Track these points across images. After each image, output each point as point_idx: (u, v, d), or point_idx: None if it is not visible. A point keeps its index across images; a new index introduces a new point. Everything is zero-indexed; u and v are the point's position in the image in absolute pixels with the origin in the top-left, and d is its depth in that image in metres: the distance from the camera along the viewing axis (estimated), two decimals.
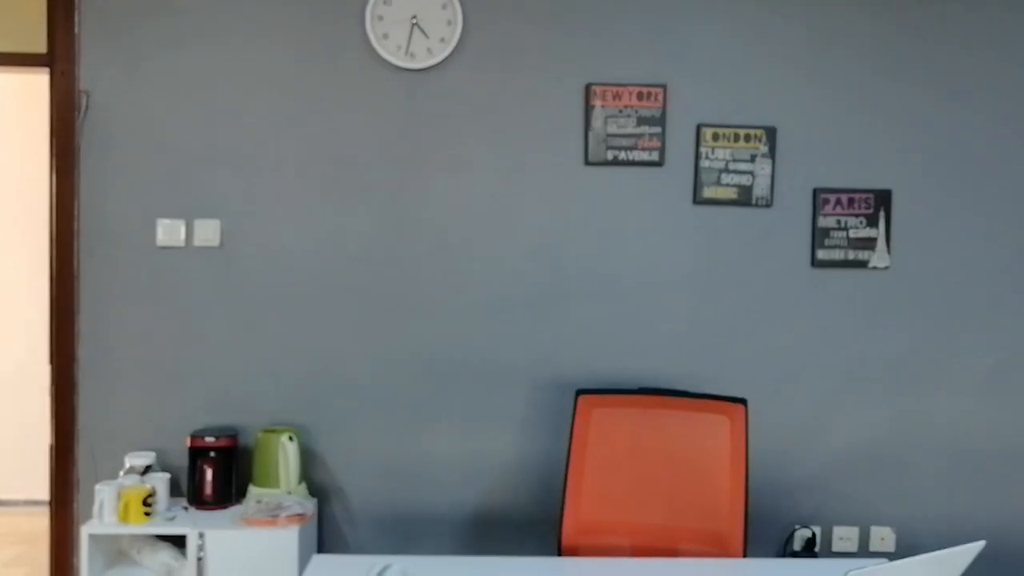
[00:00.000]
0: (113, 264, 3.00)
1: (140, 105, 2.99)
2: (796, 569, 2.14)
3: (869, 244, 3.08)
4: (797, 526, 3.11)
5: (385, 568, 1.92)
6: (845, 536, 3.12)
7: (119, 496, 2.69)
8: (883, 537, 3.12)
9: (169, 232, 3.00)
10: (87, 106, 2.98)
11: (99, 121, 2.99)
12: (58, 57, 2.96)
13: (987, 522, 3.14)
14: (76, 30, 2.96)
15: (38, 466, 3.85)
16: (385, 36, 2.98)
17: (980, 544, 1.72)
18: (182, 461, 2.99)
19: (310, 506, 2.81)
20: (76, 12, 2.95)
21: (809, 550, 3.08)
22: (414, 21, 2.98)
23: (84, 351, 3.00)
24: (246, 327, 3.03)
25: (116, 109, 2.99)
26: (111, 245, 3.00)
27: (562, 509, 2.48)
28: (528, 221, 3.05)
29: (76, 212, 2.99)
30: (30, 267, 4.55)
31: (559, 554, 2.44)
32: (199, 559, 2.65)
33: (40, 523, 3.80)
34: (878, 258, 3.08)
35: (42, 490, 4.12)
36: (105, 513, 2.70)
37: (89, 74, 2.98)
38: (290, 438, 2.84)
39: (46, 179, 3.05)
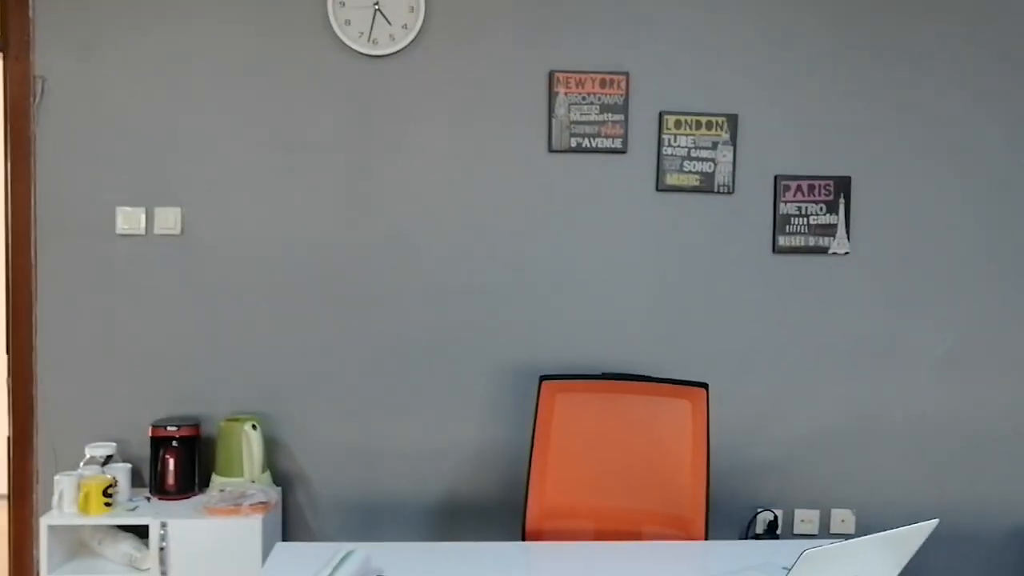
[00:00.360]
0: (71, 253, 2.96)
1: (97, 91, 2.95)
2: (755, 550, 2.17)
3: (829, 230, 3.12)
4: (759, 509, 3.15)
5: (347, 555, 1.92)
6: (806, 518, 3.16)
7: (79, 487, 2.66)
8: (843, 519, 3.16)
9: (129, 220, 2.96)
10: (42, 92, 2.93)
11: (55, 107, 2.94)
12: (11, 42, 2.90)
13: (944, 502, 3.20)
14: (30, 14, 2.91)
15: None
16: (347, 22, 2.96)
17: (933, 523, 1.76)
18: (144, 451, 2.97)
19: (274, 494, 2.80)
20: None
21: (771, 533, 3.13)
22: (376, 7, 2.96)
23: (42, 341, 2.96)
24: (208, 315, 3.00)
25: (72, 95, 2.94)
26: (69, 233, 2.96)
27: (526, 494, 2.49)
28: (492, 208, 3.05)
29: (32, 200, 2.94)
30: None
31: (523, 539, 2.45)
32: (161, 549, 2.63)
33: None
34: (838, 244, 3.12)
35: (0, 482, 4.08)
36: (65, 504, 2.67)
37: (44, 59, 2.93)
38: (253, 426, 2.83)
39: (0, 167, 3.00)
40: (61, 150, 2.95)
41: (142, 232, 2.97)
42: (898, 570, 1.83)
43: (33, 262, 2.95)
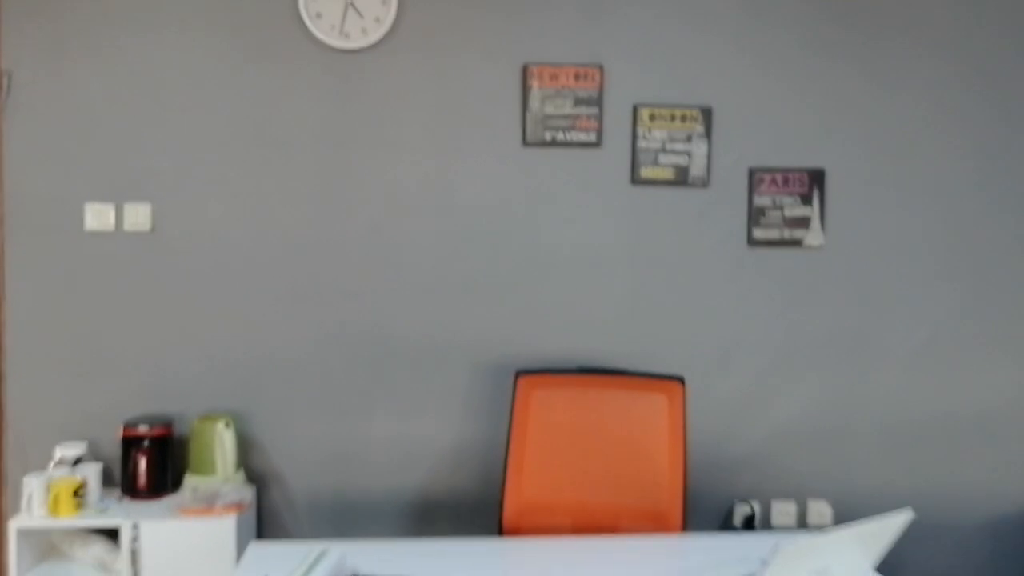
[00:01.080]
0: (40, 250, 2.91)
1: (66, 85, 2.90)
2: (733, 543, 2.17)
3: (804, 223, 3.12)
4: (736, 501, 3.16)
5: (322, 554, 1.90)
6: (783, 511, 3.17)
7: (48, 488, 2.62)
8: (821, 511, 3.18)
9: (98, 216, 2.92)
10: (9, 87, 2.88)
11: (22, 102, 2.89)
12: None
13: (919, 493, 3.22)
14: None
15: None
16: (319, 15, 2.93)
17: (907, 514, 1.76)
18: (115, 451, 2.93)
19: (248, 494, 2.77)
20: None
21: (748, 525, 3.13)
22: (348, 0, 2.93)
23: (10, 339, 2.91)
24: (179, 313, 2.96)
25: (40, 89, 2.89)
26: (38, 230, 2.91)
27: (503, 490, 2.48)
28: (466, 202, 3.03)
29: (0, 197, 2.90)
30: None
31: (500, 535, 2.44)
32: (133, 551, 2.59)
33: None
34: (812, 236, 3.13)
35: None
36: (34, 506, 2.62)
37: (11, 53, 2.87)
38: (226, 425, 2.80)
39: None
40: (29, 146, 2.90)
41: (112, 229, 2.92)
42: (874, 561, 1.84)
43: (1, 259, 2.90)
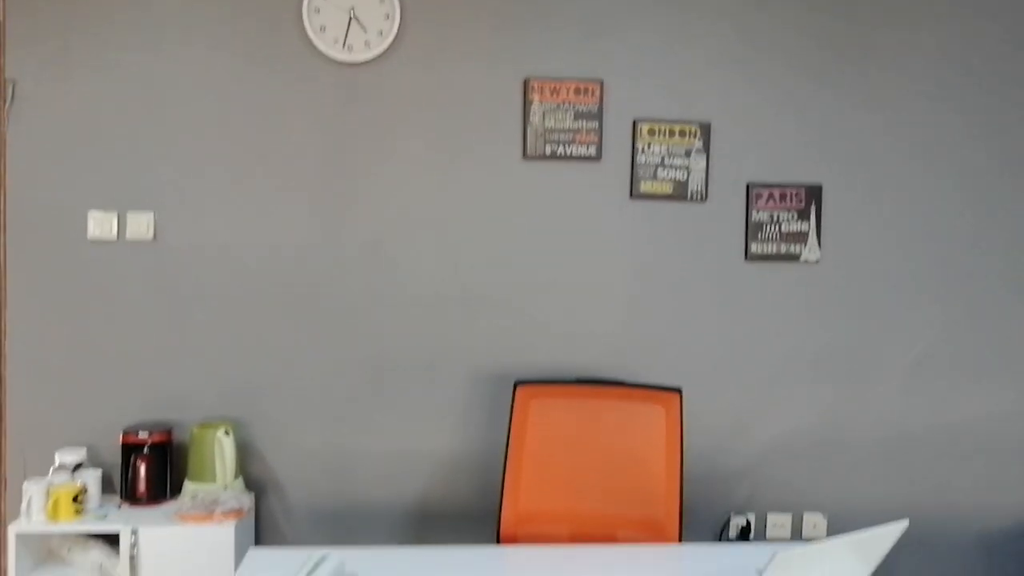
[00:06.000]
0: (42, 257, 2.93)
1: (69, 94, 2.93)
2: (729, 553, 2.19)
3: (801, 238, 3.15)
4: (732, 513, 3.17)
5: (321, 560, 1.92)
6: (779, 523, 3.19)
7: (48, 493, 2.63)
8: (815, 523, 3.19)
9: (100, 225, 2.94)
10: (13, 95, 2.91)
11: (26, 111, 2.91)
12: None
13: (914, 506, 3.24)
14: (1, 17, 2.88)
15: None
16: (322, 29, 2.96)
17: (903, 524, 1.78)
18: (115, 458, 2.94)
19: (247, 500, 2.78)
20: None
21: (744, 537, 3.15)
22: (352, 14, 2.96)
23: (12, 346, 2.93)
24: (180, 322, 2.98)
25: (44, 98, 2.92)
26: (40, 238, 2.93)
27: (501, 499, 2.49)
28: (467, 215, 3.06)
29: (2, 203, 2.91)
30: None
31: (498, 544, 2.45)
32: (132, 557, 2.60)
33: None
34: (809, 251, 3.16)
35: None
36: (33, 511, 2.63)
37: (15, 62, 2.90)
38: (226, 432, 2.81)
39: None
40: (32, 154, 2.92)
41: (114, 238, 2.94)
42: (869, 572, 1.85)
43: (3, 266, 2.92)
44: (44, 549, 2.78)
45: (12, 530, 2.61)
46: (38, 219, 2.93)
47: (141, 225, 2.95)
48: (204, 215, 2.98)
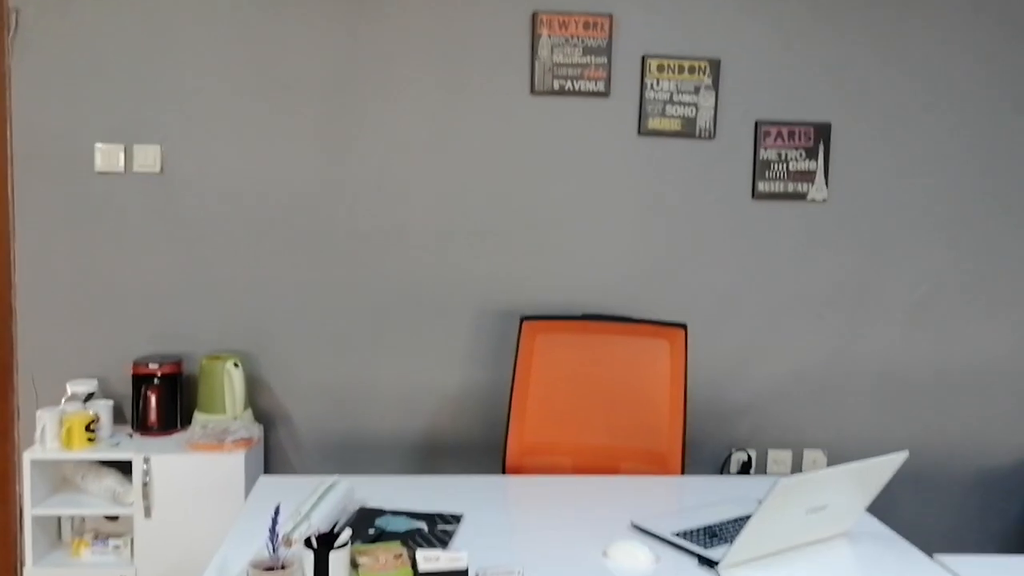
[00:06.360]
0: (50, 189, 2.94)
1: (74, 24, 2.90)
2: (730, 484, 2.23)
3: (808, 177, 3.14)
4: (733, 449, 3.22)
5: (331, 486, 1.95)
6: (779, 459, 3.24)
7: (61, 422, 2.68)
8: (815, 459, 3.24)
9: (107, 157, 2.93)
10: (17, 25, 2.88)
11: (31, 41, 2.89)
12: None
13: (913, 443, 3.28)
14: None
15: None
16: None
17: (903, 455, 1.81)
18: (125, 389, 2.98)
19: (256, 431, 2.83)
20: None
21: (745, 472, 3.20)
22: None
23: (21, 278, 2.95)
24: (188, 254, 2.99)
25: (49, 28, 2.89)
26: (47, 170, 2.93)
27: (506, 432, 2.53)
28: (474, 150, 3.05)
29: (8, 135, 2.90)
30: None
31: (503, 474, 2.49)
32: (145, 484, 2.65)
33: None
34: (816, 190, 3.15)
35: None
36: (47, 439, 2.68)
37: None
38: (235, 364, 2.84)
39: None
40: (37, 85, 2.90)
41: (121, 170, 2.94)
42: (867, 503, 1.89)
43: (11, 198, 2.92)
44: (58, 476, 2.84)
45: (27, 457, 2.66)
46: (45, 151, 2.92)
47: (148, 157, 2.95)
48: (211, 148, 2.97)
